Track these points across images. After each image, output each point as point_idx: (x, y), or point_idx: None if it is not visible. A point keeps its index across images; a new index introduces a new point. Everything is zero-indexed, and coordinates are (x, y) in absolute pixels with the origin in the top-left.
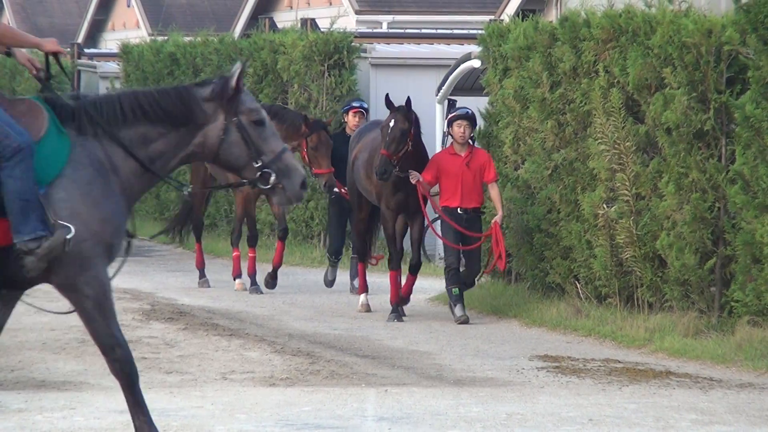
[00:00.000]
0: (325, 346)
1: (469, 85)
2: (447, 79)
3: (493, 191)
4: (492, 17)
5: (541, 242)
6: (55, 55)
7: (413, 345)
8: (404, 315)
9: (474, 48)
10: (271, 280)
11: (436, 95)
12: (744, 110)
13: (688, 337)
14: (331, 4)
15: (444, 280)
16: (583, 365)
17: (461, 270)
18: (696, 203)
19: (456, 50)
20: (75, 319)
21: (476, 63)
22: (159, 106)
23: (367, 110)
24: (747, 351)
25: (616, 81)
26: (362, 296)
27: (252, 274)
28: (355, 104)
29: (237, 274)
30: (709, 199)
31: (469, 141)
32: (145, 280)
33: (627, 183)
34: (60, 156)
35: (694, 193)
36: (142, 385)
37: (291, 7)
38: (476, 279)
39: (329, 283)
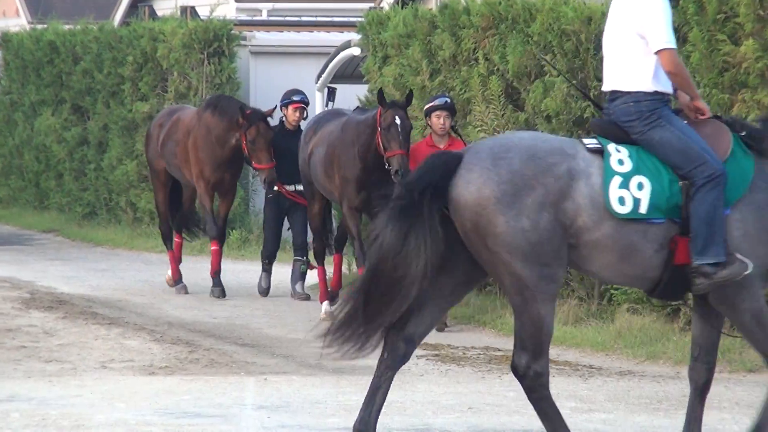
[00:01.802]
0: (204, 334)
1: (349, 72)
2: (327, 66)
3: None
4: (372, 5)
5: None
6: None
7: (293, 333)
8: None
9: (354, 36)
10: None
11: (316, 83)
12: None
13: (568, 325)
14: None
15: None
16: (463, 353)
17: None
18: None
19: (336, 38)
20: None
21: (356, 51)
22: None
23: (307, 104)
24: (626, 339)
25: (495, 68)
26: (325, 304)
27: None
28: (295, 98)
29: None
30: None
31: (450, 132)
32: (25, 268)
33: None
34: (744, 178)
35: None
36: (20, 374)
37: None
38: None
39: (264, 291)
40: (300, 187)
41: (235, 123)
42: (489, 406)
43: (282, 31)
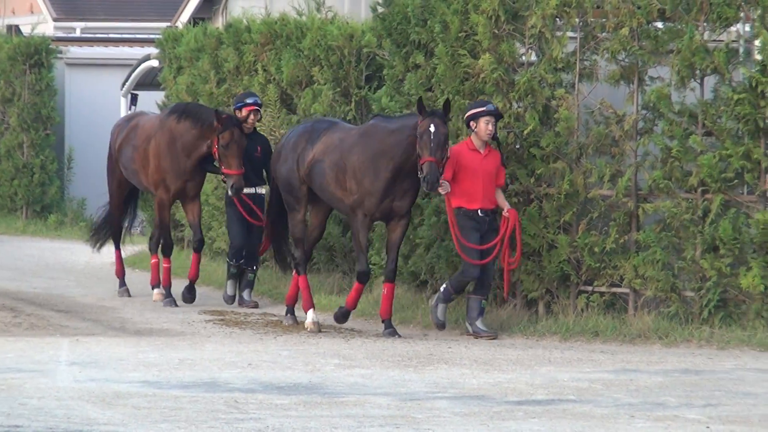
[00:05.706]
0: (26, 302)
1: (149, 81)
2: (130, 76)
3: (500, 194)
4: (169, 24)
5: (209, 214)
6: None
7: (101, 302)
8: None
9: (153, 50)
10: (188, 294)
11: (121, 90)
12: (380, 102)
13: (333, 294)
14: (32, 12)
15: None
16: (245, 318)
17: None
18: None
19: (138, 52)
20: None
21: (155, 63)
22: None
23: (261, 105)
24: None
25: (272, 78)
26: (310, 313)
27: (167, 286)
28: (249, 100)
29: (155, 283)
30: None
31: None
32: None
33: None
34: None
35: None
36: None
37: None
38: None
39: (230, 299)
40: (260, 190)
41: (208, 129)
42: (266, 362)
43: (93, 46)
